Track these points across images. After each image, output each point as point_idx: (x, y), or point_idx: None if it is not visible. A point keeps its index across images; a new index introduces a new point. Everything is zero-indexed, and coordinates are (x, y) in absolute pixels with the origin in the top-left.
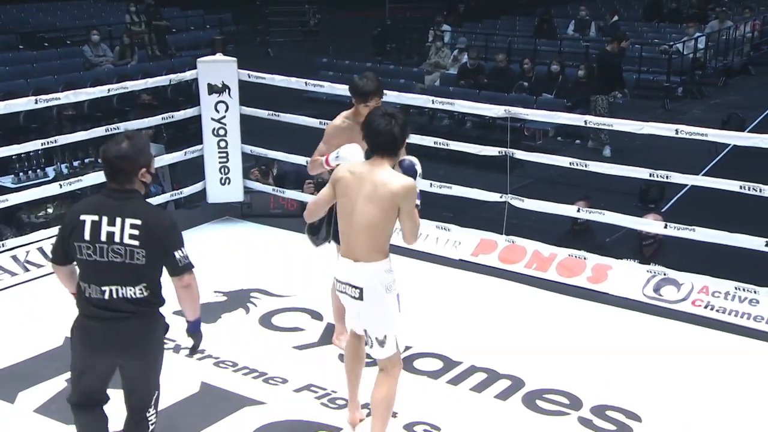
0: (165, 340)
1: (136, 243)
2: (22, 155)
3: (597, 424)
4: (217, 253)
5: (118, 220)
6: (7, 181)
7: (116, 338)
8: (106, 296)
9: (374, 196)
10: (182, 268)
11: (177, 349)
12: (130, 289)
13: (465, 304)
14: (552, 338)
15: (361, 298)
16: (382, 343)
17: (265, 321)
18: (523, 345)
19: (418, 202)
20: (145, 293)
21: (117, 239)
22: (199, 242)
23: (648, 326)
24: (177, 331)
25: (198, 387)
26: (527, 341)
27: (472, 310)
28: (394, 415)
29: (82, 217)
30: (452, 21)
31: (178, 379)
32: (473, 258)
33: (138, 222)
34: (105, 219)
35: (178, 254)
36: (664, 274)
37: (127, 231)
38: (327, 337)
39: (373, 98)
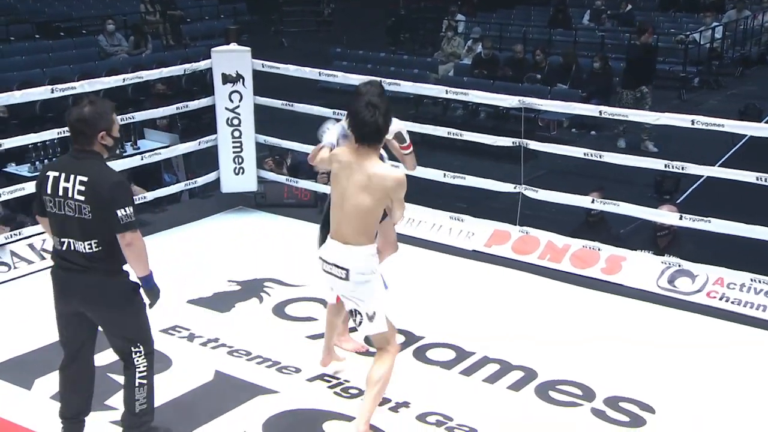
0: (181, 329)
1: (82, 198)
2: (39, 144)
3: (610, 415)
4: (231, 243)
5: (72, 177)
6: (23, 169)
7: (75, 289)
8: (64, 247)
9: (368, 187)
10: (123, 226)
11: (191, 338)
12: (81, 244)
13: (478, 295)
14: (565, 329)
15: (347, 278)
16: (371, 318)
17: (279, 310)
18: (536, 336)
19: (406, 138)
20: (95, 249)
21: (70, 194)
22: (212, 232)
23: (662, 318)
24: (191, 320)
25: (212, 375)
26: (540, 332)
27: (485, 300)
28: (407, 405)
29: (48, 173)
30: (466, 10)
31: (192, 367)
32: (486, 249)
33: (85, 179)
34: (63, 175)
35: (120, 212)
36: (679, 266)
37: (76, 187)
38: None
39: None
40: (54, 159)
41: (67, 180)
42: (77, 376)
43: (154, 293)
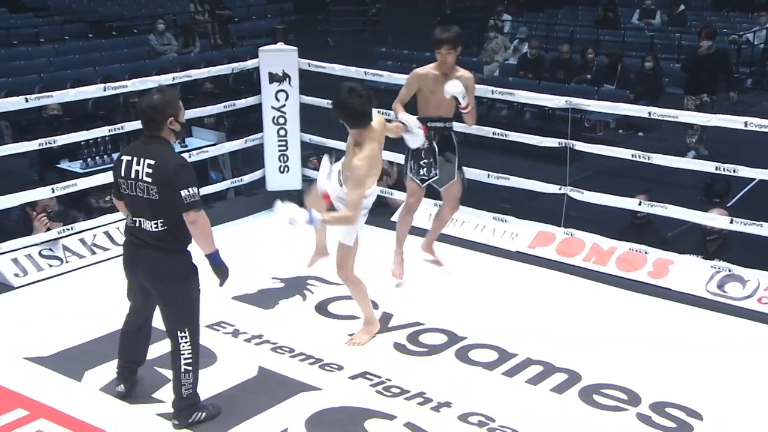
0: (226, 324)
1: (150, 180)
2: (90, 141)
3: (656, 420)
4: (276, 241)
5: (141, 160)
6: (75, 166)
7: (139, 262)
8: (136, 225)
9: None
10: (187, 206)
11: (236, 334)
12: (149, 222)
13: (521, 297)
14: (611, 332)
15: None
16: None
17: (322, 308)
18: (580, 339)
19: (460, 100)
20: (160, 228)
21: (140, 176)
22: (258, 229)
23: (711, 323)
24: (235, 316)
25: (256, 371)
26: (585, 335)
27: (529, 302)
28: (449, 405)
29: (122, 157)
30: (513, 10)
31: (236, 363)
32: (530, 250)
33: (152, 162)
34: (135, 159)
35: (184, 192)
36: (729, 270)
37: (145, 169)
38: (382, 326)
39: (443, 46)
40: (104, 155)
41: (138, 163)
42: (135, 329)
43: (221, 271)
